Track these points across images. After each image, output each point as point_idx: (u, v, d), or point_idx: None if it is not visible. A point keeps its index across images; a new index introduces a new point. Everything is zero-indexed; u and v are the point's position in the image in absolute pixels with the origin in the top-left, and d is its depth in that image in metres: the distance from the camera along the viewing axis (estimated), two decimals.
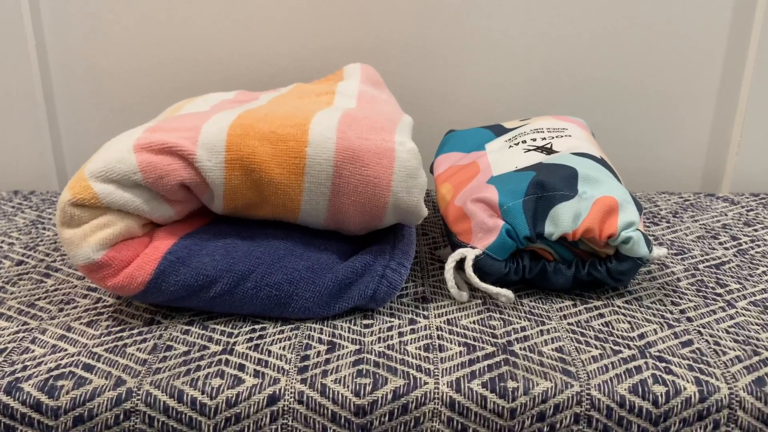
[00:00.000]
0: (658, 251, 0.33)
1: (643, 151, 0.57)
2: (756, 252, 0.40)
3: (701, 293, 0.35)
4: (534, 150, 0.39)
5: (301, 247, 0.31)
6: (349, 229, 0.32)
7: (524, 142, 0.40)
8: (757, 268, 0.38)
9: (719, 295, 0.34)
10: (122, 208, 0.29)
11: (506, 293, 0.32)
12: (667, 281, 0.36)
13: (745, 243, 0.42)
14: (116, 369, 0.27)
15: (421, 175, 0.31)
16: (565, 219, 0.32)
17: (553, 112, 0.56)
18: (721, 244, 0.42)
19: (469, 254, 0.32)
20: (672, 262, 0.39)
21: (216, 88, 0.55)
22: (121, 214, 0.29)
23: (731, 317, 0.32)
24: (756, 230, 0.44)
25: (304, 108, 0.33)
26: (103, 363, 0.28)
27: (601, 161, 0.36)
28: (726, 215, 0.47)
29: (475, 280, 0.31)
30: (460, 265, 0.35)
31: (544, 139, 0.40)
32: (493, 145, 0.42)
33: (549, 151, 0.38)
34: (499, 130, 0.44)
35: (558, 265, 0.33)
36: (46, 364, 0.28)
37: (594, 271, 0.33)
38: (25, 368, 0.27)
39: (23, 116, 0.55)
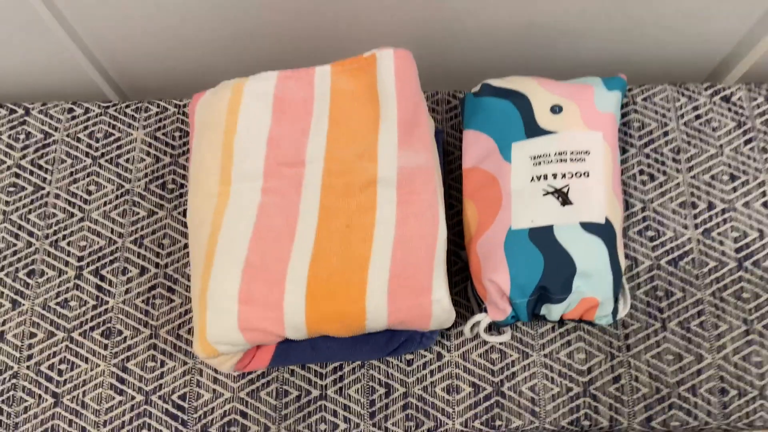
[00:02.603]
0: (623, 311, 0.44)
1: None
2: (718, 232, 0.49)
3: (649, 308, 0.47)
4: (552, 194, 0.44)
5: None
6: None
7: (545, 178, 0.44)
8: (707, 264, 0.48)
9: (660, 310, 0.47)
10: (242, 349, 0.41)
11: (506, 339, 0.46)
12: (630, 285, 0.48)
13: (717, 214, 0.50)
14: (261, 415, 0.45)
15: (451, 318, 0.40)
16: (556, 313, 0.43)
17: None
18: (695, 216, 0.50)
19: (483, 321, 0.44)
20: (644, 252, 0.49)
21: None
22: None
23: (657, 344, 0.46)
24: (744, 182, 0.50)
25: (354, 255, 0.39)
26: (250, 408, 0.45)
27: (604, 230, 0.43)
28: (723, 151, 0.51)
29: (487, 338, 0.45)
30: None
31: (564, 176, 0.44)
32: (519, 154, 0.45)
33: (564, 199, 0.44)
34: (529, 125, 0.46)
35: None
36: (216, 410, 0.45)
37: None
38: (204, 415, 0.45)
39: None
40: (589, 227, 0.43)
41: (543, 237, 0.43)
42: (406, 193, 0.41)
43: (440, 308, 0.40)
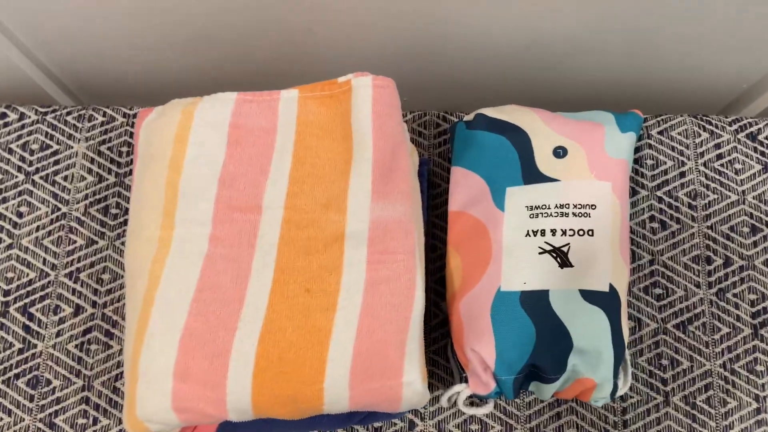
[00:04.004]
0: (623, 389, 0.39)
1: None
2: (734, 293, 0.43)
3: (651, 378, 0.42)
4: (549, 253, 0.38)
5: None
6: None
7: (542, 233, 0.38)
8: (719, 330, 0.43)
9: (664, 382, 0.42)
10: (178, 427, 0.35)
11: (488, 410, 0.40)
12: (631, 351, 0.42)
13: (734, 272, 0.44)
14: None
15: (425, 400, 0.34)
16: (546, 392, 0.37)
17: None
18: (709, 273, 0.44)
19: (462, 393, 0.39)
20: (650, 312, 0.43)
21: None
22: None
23: (658, 421, 0.41)
24: (767, 236, 0.44)
25: (313, 327, 0.33)
26: None
27: (608, 300, 0.37)
28: (745, 198, 0.45)
29: (467, 410, 0.39)
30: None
31: (564, 233, 0.38)
32: (514, 202, 0.39)
33: (563, 260, 0.38)
34: (528, 168, 0.39)
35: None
36: None
37: None
38: None
39: None
40: (590, 296, 0.37)
41: (536, 303, 0.37)
42: (379, 252, 0.35)
43: (412, 392, 0.34)
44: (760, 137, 0.47)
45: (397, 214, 0.36)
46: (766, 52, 0.49)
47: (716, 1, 0.45)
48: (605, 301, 0.37)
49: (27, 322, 0.43)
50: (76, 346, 0.42)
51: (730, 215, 0.45)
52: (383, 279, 0.35)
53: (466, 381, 0.39)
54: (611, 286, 0.38)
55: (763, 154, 0.47)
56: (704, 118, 0.48)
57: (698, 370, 0.42)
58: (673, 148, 0.47)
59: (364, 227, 0.35)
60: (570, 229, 0.38)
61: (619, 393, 0.39)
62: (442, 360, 0.43)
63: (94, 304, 0.43)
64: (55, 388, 0.42)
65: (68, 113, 0.47)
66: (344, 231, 0.35)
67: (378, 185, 0.36)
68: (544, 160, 0.40)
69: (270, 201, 0.36)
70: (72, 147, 0.46)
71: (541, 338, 0.37)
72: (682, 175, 0.46)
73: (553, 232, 0.38)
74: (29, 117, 0.47)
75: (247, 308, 0.34)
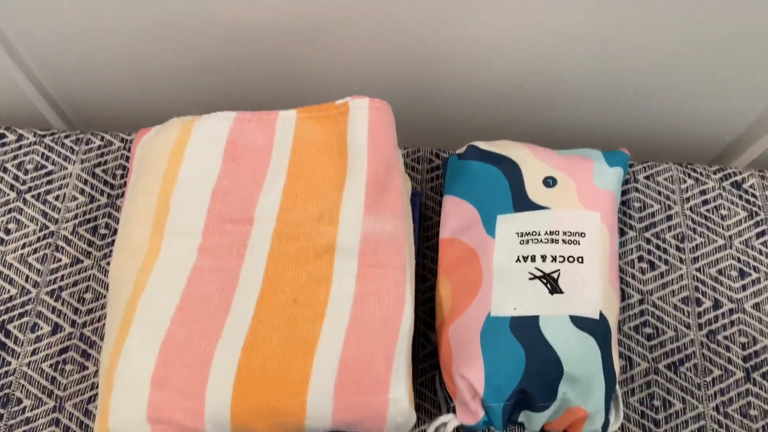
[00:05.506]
0: (615, 425, 0.38)
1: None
2: (725, 335, 0.43)
3: (644, 419, 0.40)
4: (539, 279, 0.38)
5: None
6: None
7: (532, 259, 0.38)
8: (711, 372, 0.42)
9: (656, 423, 0.41)
10: None
11: None
12: (623, 390, 0.41)
13: (724, 315, 0.43)
14: None
15: (411, 421, 0.33)
16: (537, 422, 0.36)
17: None
18: (699, 315, 0.44)
19: (449, 424, 0.37)
20: (641, 352, 0.42)
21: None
22: None
23: None
24: (755, 281, 0.44)
25: (299, 337, 0.32)
26: None
27: (598, 327, 0.36)
28: (732, 243, 0.46)
29: None
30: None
31: (554, 259, 0.38)
32: (504, 229, 0.39)
33: (553, 286, 0.37)
34: (518, 197, 0.40)
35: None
36: None
37: None
38: None
39: None
40: (580, 322, 0.37)
41: (526, 329, 0.37)
42: (369, 266, 0.35)
43: (398, 410, 0.33)
44: (745, 186, 0.48)
45: (388, 230, 0.36)
46: (748, 106, 0.51)
47: (700, 54, 0.47)
48: (595, 328, 0.37)
49: (3, 339, 0.41)
50: (51, 365, 0.41)
51: (717, 259, 0.46)
52: (372, 292, 0.34)
53: (454, 412, 0.38)
54: (601, 314, 0.37)
55: (748, 201, 0.48)
56: (689, 166, 0.49)
57: (691, 413, 0.41)
58: (659, 192, 0.48)
59: (356, 240, 0.35)
60: (560, 256, 0.38)
61: (611, 429, 0.38)
62: (430, 393, 0.41)
63: (73, 324, 0.42)
64: (25, 407, 0.40)
65: (66, 136, 0.48)
66: (335, 243, 0.35)
67: (371, 201, 0.36)
68: (534, 189, 0.40)
69: (262, 213, 0.36)
70: (66, 168, 0.47)
71: (531, 364, 0.36)
72: (669, 218, 0.47)
73: (543, 258, 0.38)
74: (27, 138, 0.48)
75: (232, 317, 0.34)
